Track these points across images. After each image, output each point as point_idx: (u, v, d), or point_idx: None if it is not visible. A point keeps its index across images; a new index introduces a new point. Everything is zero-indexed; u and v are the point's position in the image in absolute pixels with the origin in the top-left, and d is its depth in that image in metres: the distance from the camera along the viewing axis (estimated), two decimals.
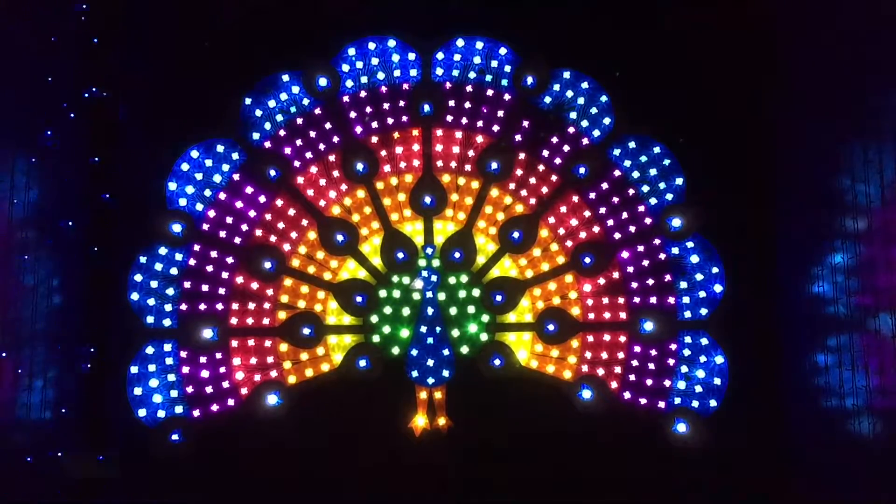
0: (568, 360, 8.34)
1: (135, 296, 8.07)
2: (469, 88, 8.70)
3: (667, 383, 8.23)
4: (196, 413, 8.06)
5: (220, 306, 8.24)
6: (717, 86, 8.39)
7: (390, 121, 8.65)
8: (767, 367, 8.30)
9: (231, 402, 8.13)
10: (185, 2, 8.55)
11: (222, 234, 8.35)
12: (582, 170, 8.50)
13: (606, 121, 8.61)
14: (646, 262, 8.44)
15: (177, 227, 8.15)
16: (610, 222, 8.50)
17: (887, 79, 6.42)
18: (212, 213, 8.36)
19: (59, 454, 7.55)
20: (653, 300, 8.34)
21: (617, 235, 8.47)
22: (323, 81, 8.53)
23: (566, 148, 8.61)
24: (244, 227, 8.41)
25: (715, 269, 8.27)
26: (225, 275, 8.31)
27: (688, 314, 8.32)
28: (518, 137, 8.62)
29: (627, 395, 8.23)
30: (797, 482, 7.95)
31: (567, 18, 8.54)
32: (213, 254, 8.31)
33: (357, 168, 8.40)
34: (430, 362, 8.02)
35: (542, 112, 8.70)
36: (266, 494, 8.03)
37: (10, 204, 6.94)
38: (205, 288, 8.26)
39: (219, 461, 8.00)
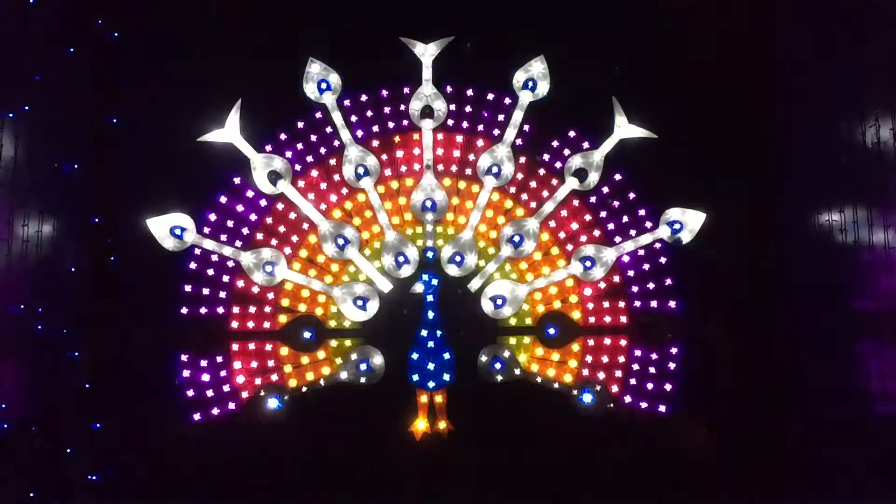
0: (568, 364, 8.33)
1: None
2: (470, 92, 8.68)
3: (668, 387, 8.21)
4: (196, 417, 8.04)
5: (220, 310, 8.25)
6: (717, 86, 8.42)
7: (391, 124, 8.66)
8: (768, 369, 8.31)
9: (231, 405, 8.12)
10: (187, 3, 8.55)
11: (223, 237, 8.34)
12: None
13: None
14: (646, 266, 8.43)
15: (177, 230, 8.14)
16: (611, 226, 8.48)
17: (888, 78, 6.44)
18: (213, 217, 8.36)
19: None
20: (653, 304, 8.34)
21: (617, 239, 8.46)
22: (324, 84, 8.54)
23: (566, 151, 8.58)
24: (245, 231, 8.41)
25: None
26: (226, 278, 8.30)
27: None
28: (519, 141, 8.59)
29: (628, 398, 8.22)
30: (797, 483, 7.95)
31: (567, 20, 8.56)
32: (214, 257, 8.29)
33: (358, 172, 8.42)
34: (431, 366, 8.01)
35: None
36: (266, 497, 8.01)
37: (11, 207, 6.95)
38: (205, 291, 8.26)
39: (219, 464, 7.98)
